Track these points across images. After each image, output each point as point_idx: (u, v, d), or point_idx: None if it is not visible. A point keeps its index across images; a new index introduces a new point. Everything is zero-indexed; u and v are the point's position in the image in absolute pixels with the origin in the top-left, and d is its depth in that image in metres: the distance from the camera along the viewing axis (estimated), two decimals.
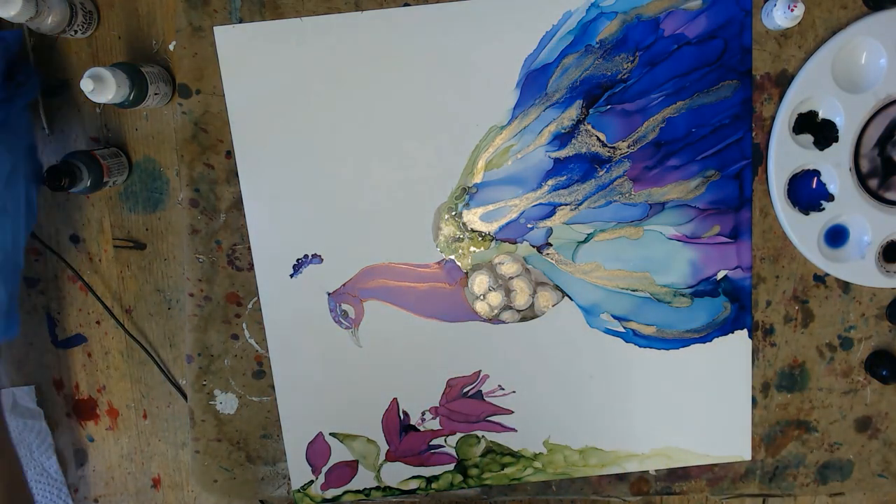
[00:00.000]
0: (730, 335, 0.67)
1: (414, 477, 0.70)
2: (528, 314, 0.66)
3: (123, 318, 0.68)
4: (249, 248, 0.65)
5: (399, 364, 0.67)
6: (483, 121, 0.63)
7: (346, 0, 0.61)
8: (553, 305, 0.66)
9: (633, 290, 0.66)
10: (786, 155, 0.63)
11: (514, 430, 0.69)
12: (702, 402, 0.68)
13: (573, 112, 0.63)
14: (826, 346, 0.68)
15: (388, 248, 0.65)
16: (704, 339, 0.67)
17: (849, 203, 0.64)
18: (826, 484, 0.71)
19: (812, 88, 0.62)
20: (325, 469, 0.69)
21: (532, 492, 0.70)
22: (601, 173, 0.64)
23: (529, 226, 0.65)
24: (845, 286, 0.67)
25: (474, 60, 0.62)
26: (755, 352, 0.67)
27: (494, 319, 0.66)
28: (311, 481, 0.69)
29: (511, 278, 0.65)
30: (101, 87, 0.54)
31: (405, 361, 0.67)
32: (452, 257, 0.65)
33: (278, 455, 0.69)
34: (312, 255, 0.65)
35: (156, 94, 0.60)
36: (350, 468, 0.69)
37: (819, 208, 0.64)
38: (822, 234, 0.65)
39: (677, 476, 0.70)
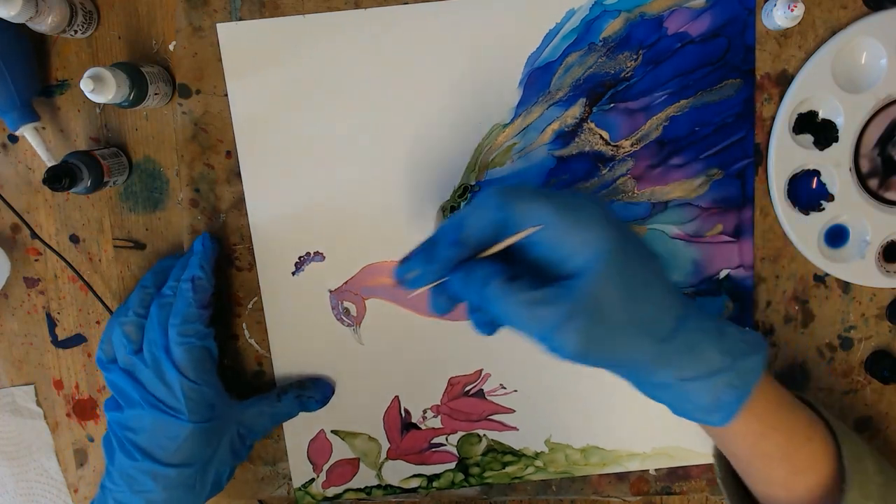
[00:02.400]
0: None
1: (415, 475, 0.70)
2: None
3: None
4: (249, 248, 0.65)
5: (401, 362, 0.67)
6: (485, 119, 0.63)
7: (347, 0, 0.61)
8: None
9: None
10: (786, 155, 0.63)
11: (515, 428, 0.69)
12: None
13: (576, 110, 0.63)
14: (826, 346, 0.68)
15: (390, 246, 0.65)
16: None
17: (849, 203, 0.64)
18: None
19: (812, 88, 0.62)
20: (326, 467, 0.69)
21: (532, 492, 0.70)
22: (604, 172, 0.64)
23: None
24: (845, 286, 0.67)
25: (477, 58, 0.62)
26: None
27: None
28: (313, 479, 0.69)
29: None
30: (101, 87, 0.54)
31: (407, 359, 0.67)
32: None
33: (278, 455, 0.69)
34: (314, 253, 0.65)
35: (156, 94, 0.59)
36: (351, 466, 0.69)
37: (819, 208, 0.64)
38: (822, 234, 0.65)
39: (677, 476, 0.70)
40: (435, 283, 0.49)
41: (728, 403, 0.47)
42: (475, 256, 0.47)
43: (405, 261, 0.48)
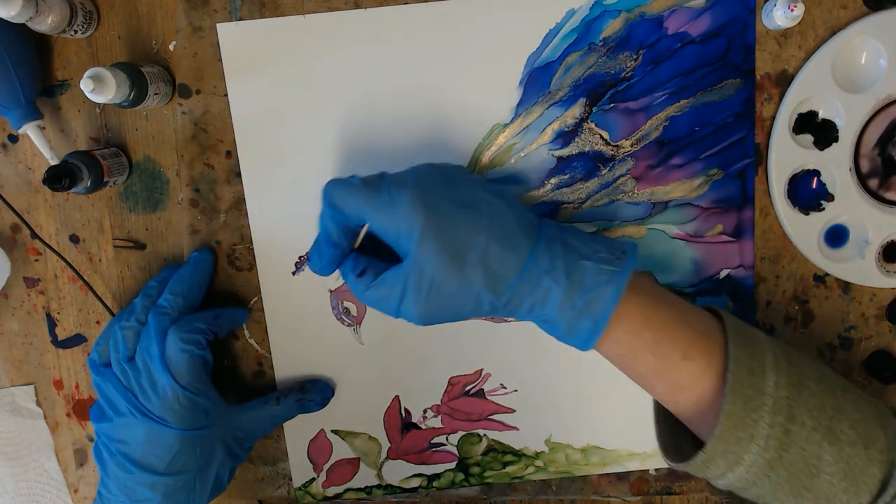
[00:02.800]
0: None
1: (415, 475, 0.70)
2: None
3: None
4: (249, 248, 0.65)
5: (401, 362, 0.67)
6: (486, 119, 0.63)
7: (346, 0, 0.61)
8: None
9: None
10: (786, 155, 0.63)
11: (515, 428, 0.69)
12: None
13: (576, 110, 0.63)
14: (826, 346, 0.68)
15: None
16: None
17: (849, 203, 0.64)
18: None
19: (812, 88, 0.62)
20: (326, 467, 0.69)
21: (532, 492, 0.70)
22: (604, 171, 0.64)
23: None
24: (845, 286, 0.67)
25: (477, 58, 0.62)
26: None
27: (497, 318, 0.66)
28: (313, 479, 0.69)
29: None
30: (101, 87, 0.54)
31: (407, 359, 0.67)
32: None
33: (278, 455, 0.69)
34: None
35: (156, 94, 0.59)
36: (352, 466, 0.69)
37: (819, 208, 0.64)
38: (822, 234, 0.65)
39: (677, 476, 0.70)
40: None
41: (583, 332, 0.51)
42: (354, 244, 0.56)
43: (308, 259, 0.57)
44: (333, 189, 0.53)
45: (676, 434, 0.59)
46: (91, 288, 0.64)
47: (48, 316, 0.67)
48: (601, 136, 0.63)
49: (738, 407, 0.48)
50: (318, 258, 0.55)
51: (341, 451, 0.69)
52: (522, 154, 0.64)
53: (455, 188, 0.53)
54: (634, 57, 0.62)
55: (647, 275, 0.54)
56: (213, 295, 0.66)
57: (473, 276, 0.50)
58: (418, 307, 0.51)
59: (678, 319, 0.52)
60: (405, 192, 0.50)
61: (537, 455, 0.69)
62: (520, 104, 0.63)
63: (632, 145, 0.64)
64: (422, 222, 0.49)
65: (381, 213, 0.51)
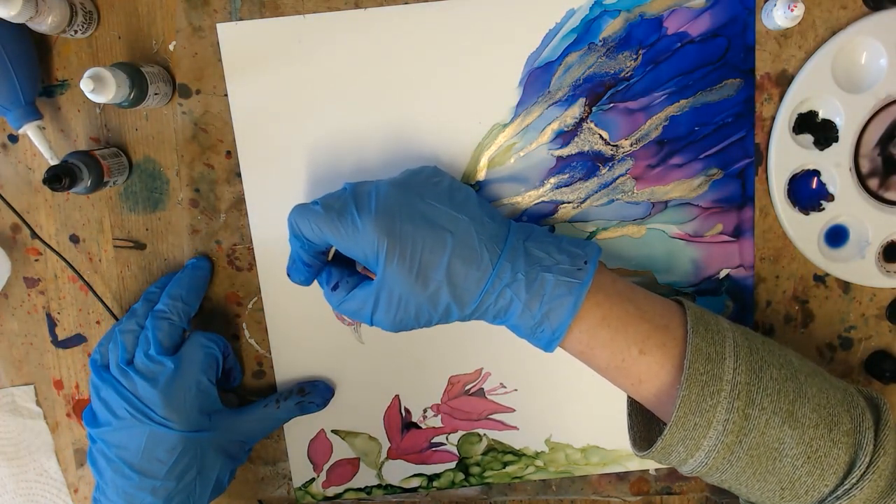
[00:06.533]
0: None
1: (415, 475, 0.70)
2: None
3: None
4: (249, 248, 0.65)
5: (401, 361, 0.67)
6: (486, 119, 0.63)
7: (346, 0, 0.61)
8: None
9: None
10: (786, 155, 0.63)
11: (515, 428, 0.69)
12: None
13: (576, 110, 0.63)
14: (826, 346, 0.68)
15: None
16: None
17: (849, 203, 0.64)
18: None
19: (812, 88, 0.62)
20: (326, 466, 0.69)
21: (532, 492, 0.70)
22: (604, 171, 0.64)
23: None
24: (845, 286, 0.67)
25: (476, 58, 0.62)
26: None
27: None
28: (313, 479, 0.69)
29: None
30: (101, 87, 0.54)
31: (407, 358, 0.67)
32: None
33: (278, 455, 0.69)
34: None
35: (156, 94, 0.59)
36: (352, 466, 0.69)
37: (819, 208, 0.64)
38: (822, 234, 0.65)
39: (677, 476, 0.70)
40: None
41: (544, 339, 0.54)
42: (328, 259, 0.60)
43: (288, 274, 0.59)
44: (297, 219, 0.55)
45: (651, 428, 0.60)
46: (91, 288, 0.64)
47: (48, 316, 0.67)
48: (601, 136, 0.63)
49: (695, 393, 0.49)
50: (295, 274, 0.59)
51: (341, 450, 0.69)
52: (522, 154, 0.64)
53: (417, 206, 0.54)
54: (634, 57, 0.62)
55: (609, 272, 0.56)
56: (213, 296, 0.66)
57: (439, 292, 0.53)
58: (389, 319, 0.54)
59: (636, 315, 0.53)
60: (366, 219, 0.52)
61: (537, 455, 0.69)
62: (519, 104, 0.63)
63: (631, 145, 0.64)
64: (385, 247, 0.52)
65: (345, 240, 0.53)
